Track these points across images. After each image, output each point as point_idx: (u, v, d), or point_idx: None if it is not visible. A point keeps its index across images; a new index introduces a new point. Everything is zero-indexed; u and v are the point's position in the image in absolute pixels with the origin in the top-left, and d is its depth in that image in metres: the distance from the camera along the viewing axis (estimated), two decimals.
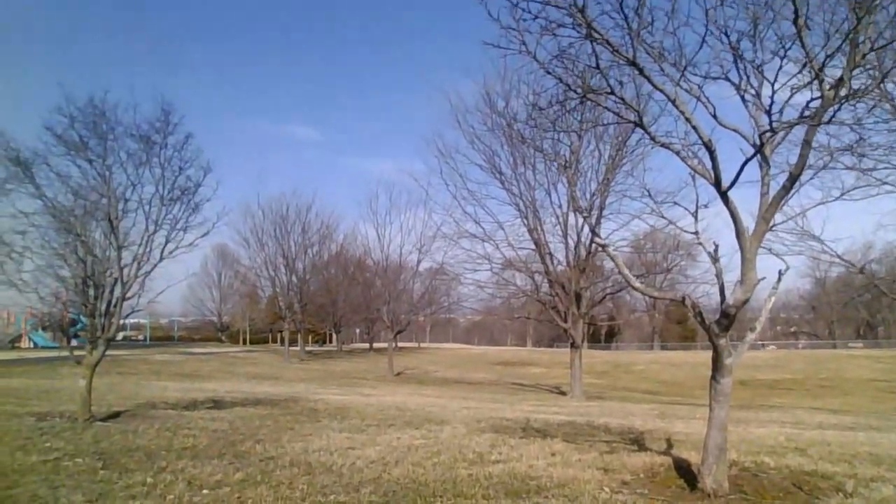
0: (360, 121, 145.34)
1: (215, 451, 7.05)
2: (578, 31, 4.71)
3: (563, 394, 27.54)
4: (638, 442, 8.24)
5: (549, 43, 5.02)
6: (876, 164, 20.26)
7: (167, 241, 9.33)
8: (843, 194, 6.49)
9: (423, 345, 78.92)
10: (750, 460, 6.81)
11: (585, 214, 17.04)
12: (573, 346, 26.97)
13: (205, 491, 5.21)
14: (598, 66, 4.90)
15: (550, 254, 27.49)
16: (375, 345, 63.10)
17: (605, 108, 5.37)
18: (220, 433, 8.37)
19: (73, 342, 12.59)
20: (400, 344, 59.48)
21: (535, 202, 27.44)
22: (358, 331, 76.43)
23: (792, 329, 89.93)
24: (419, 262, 40.95)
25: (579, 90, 5.18)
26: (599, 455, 7.03)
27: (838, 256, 21.29)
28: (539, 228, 27.30)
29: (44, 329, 40.30)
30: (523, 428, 9.76)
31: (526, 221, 27.62)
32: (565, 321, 26.93)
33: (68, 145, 8.90)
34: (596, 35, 4.54)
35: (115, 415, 9.97)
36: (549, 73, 5.11)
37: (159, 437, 7.84)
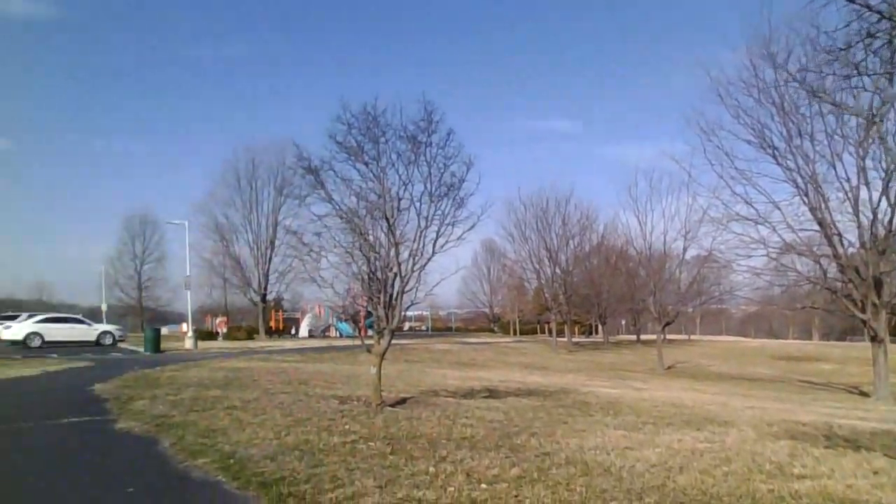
0: (616, 109, 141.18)
1: (492, 442, 6.99)
2: None
3: (865, 395, 23.51)
4: None
5: None
6: None
7: (438, 236, 9.61)
8: None
9: (693, 337, 73.98)
10: None
11: None
12: (875, 339, 22.87)
13: (483, 486, 5.07)
14: None
15: (839, 234, 23.57)
16: (642, 336, 60.67)
17: None
18: (496, 424, 8.37)
19: (368, 332, 13.80)
20: (669, 336, 56.52)
21: (815, 177, 23.72)
22: (623, 322, 74.23)
23: None
24: (685, 249, 38.18)
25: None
26: None
27: None
28: (823, 206, 23.57)
29: (345, 320, 45.58)
30: (826, 435, 8.29)
31: (806, 199, 24.01)
32: (863, 311, 22.95)
33: (348, 151, 9.59)
34: None
35: (402, 401, 10.60)
36: (851, 0, 4.05)
37: (440, 425, 8.05)
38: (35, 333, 30.17)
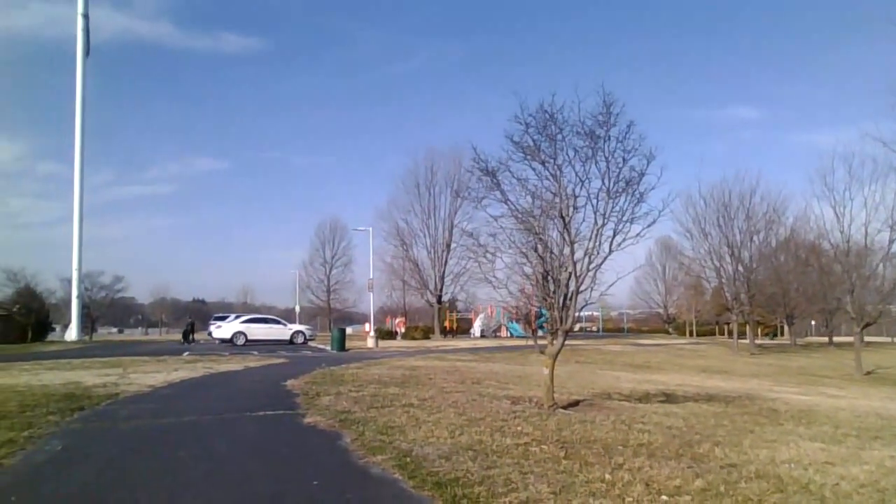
0: (804, 91, 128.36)
1: (672, 450, 6.60)
2: None
3: None
4: None
5: None
6: None
7: (615, 234, 9.26)
8: None
9: None
10: None
11: None
12: None
13: (664, 497, 4.78)
14: None
15: None
16: (835, 339, 54.52)
17: None
18: (675, 430, 7.90)
19: (539, 333, 13.71)
20: (867, 338, 50.32)
21: None
22: (813, 323, 67.29)
23: None
24: (892, 241, 33.74)
25: None
26: None
27: None
28: None
29: (516, 320, 45.80)
30: None
31: None
32: None
33: (524, 150, 9.52)
34: None
35: (575, 403, 10.38)
36: None
37: (615, 430, 7.74)
38: (240, 332, 33.60)
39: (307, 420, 8.33)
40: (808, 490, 5.13)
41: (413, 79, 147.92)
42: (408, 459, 5.87)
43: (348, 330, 39.13)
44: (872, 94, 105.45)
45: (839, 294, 37.05)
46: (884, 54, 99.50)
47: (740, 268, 45.44)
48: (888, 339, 63.72)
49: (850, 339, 38.95)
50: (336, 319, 65.64)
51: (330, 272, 68.31)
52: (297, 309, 60.55)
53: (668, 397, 12.39)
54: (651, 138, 10.93)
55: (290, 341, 34.46)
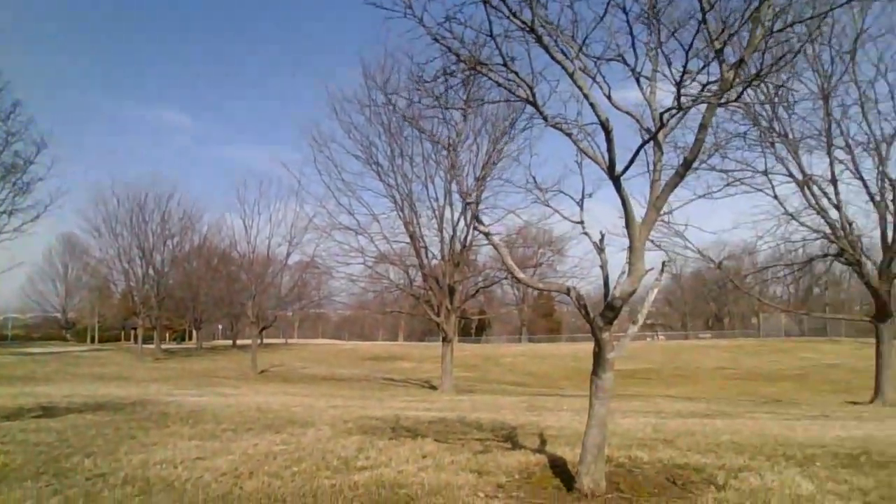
0: (234, 108, 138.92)
1: (32, 470, 6.02)
2: None
3: (434, 388, 27.48)
4: (511, 439, 8.02)
5: (436, 8, 4.57)
6: (736, 165, 21.64)
7: None
8: (722, 188, 6.50)
9: (290, 341, 76.61)
10: (624, 455, 6.74)
11: (469, 200, 16.84)
12: (445, 339, 26.98)
13: None
14: (491, 34, 4.51)
15: (425, 247, 27.40)
16: (239, 341, 60.38)
17: (496, 82, 4.97)
18: (43, 447, 7.26)
19: None
20: (266, 340, 57.41)
21: (411, 195, 27.24)
22: (220, 327, 72.89)
23: (650, 321, 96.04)
24: (289, 254, 39.57)
25: (468, 61, 4.76)
26: (473, 455, 6.70)
27: (700, 253, 22.76)
28: (415, 221, 27.12)
29: None
30: (393, 428, 9.30)
31: (402, 214, 27.35)
32: (438, 315, 26.90)
33: None
34: None
35: None
36: (436, 40, 4.66)
37: None
38: None
39: None
40: (172, 487, 5.40)
41: None
42: None
43: None
44: (284, 124, 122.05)
45: (243, 299, 41.13)
46: (296, 94, 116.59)
47: (151, 271, 45.82)
48: (283, 341, 73.92)
49: (250, 341, 43.59)
50: None
51: None
52: None
53: (48, 411, 11.36)
54: (62, 129, 9.92)
55: None
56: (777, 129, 20.87)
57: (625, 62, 4.43)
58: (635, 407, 16.42)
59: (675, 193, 4.69)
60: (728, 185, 19.21)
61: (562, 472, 5.82)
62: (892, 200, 20.52)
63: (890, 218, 20.66)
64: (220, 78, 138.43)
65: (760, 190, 21.70)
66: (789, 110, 21.02)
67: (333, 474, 5.91)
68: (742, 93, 4.18)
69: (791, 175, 21.31)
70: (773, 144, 21.04)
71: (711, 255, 24.58)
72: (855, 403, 20.93)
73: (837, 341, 56.38)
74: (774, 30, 3.77)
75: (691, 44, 3.85)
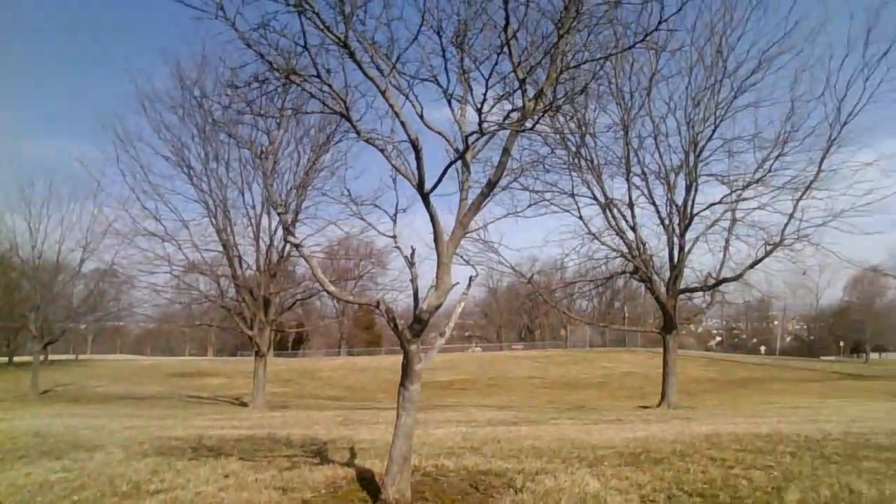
0: (23, 96, 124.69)
1: None
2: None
3: (245, 405, 26.44)
4: (321, 454, 8.01)
5: (251, 12, 4.51)
6: (547, 186, 23.26)
7: None
8: (529, 206, 6.99)
9: (82, 357, 69.92)
10: (431, 464, 6.99)
11: (281, 211, 16.43)
12: (258, 354, 26.07)
13: None
14: (305, 45, 4.52)
15: (240, 257, 26.29)
16: (18, 358, 53.86)
17: (310, 94, 4.99)
18: None
19: None
20: (52, 357, 52.00)
21: (226, 201, 26.01)
22: None
23: (467, 334, 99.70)
24: (83, 261, 35.97)
25: (282, 69, 4.74)
26: (279, 472, 6.60)
27: (512, 268, 24.13)
28: (229, 229, 25.94)
29: None
30: (194, 448, 8.88)
31: (214, 221, 25.99)
32: (251, 328, 25.94)
33: None
34: (306, 6, 4.16)
35: None
36: (248, 45, 4.59)
37: None
38: None
39: None
40: None
41: None
42: None
43: None
44: (82, 117, 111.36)
45: (25, 311, 36.68)
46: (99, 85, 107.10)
47: None
48: (73, 356, 67.30)
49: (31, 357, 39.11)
50: None
51: None
52: None
53: None
54: None
55: None
56: (584, 154, 22.80)
57: (437, 83, 4.66)
58: (449, 417, 16.99)
59: (489, 210, 5.01)
60: (531, 204, 20.47)
61: (369, 485, 5.91)
62: (678, 224, 23.20)
63: (676, 240, 23.34)
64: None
65: (567, 210, 23.55)
66: (595, 138, 23.04)
67: (121, 500, 5.55)
68: (537, 121, 4.56)
69: (595, 198, 23.35)
70: (580, 169, 22.94)
71: (524, 270, 26.21)
72: (645, 407, 23.21)
73: (634, 351, 62.33)
74: (570, 66, 4.18)
75: (490, 73, 4.15)
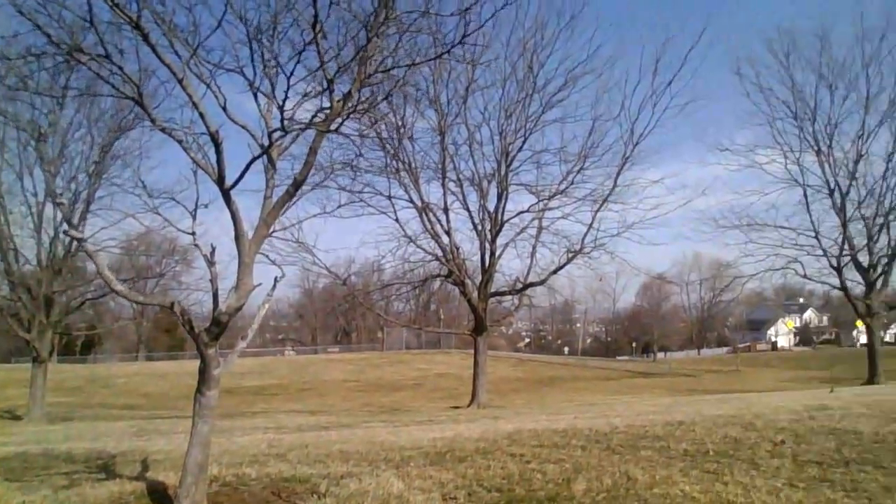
0: None
1: None
2: None
3: (19, 418, 23.68)
4: (108, 468, 7.42)
5: None
6: (363, 187, 23.37)
7: None
8: (339, 207, 7.00)
9: None
10: (232, 473, 6.75)
11: (60, 201, 14.95)
12: (37, 360, 23.44)
13: None
14: (91, 22, 4.16)
15: (15, 250, 23.47)
16: None
17: (98, 75, 4.59)
18: None
19: None
20: None
21: (0, 186, 23.16)
22: None
23: (280, 336, 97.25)
24: None
25: (64, 45, 4.32)
26: (53, 492, 6.00)
27: (326, 268, 23.92)
28: (3, 218, 23.10)
29: None
30: None
31: None
32: (28, 331, 23.26)
33: None
34: None
35: None
36: (21, 13, 4.14)
37: None
38: None
39: None
40: None
41: None
42: None
43: None
44: None
45: None
46: None
47: None
48: None
49: None
50: None
51: None
52: None
53: None
54: None
55: None
56: (401, 158, 23.23)
57: (243, 75, 4.51)
58: (257, 424, 16.49)
59: (302, 209, 4.93)
60: (342, 205, 20.24)
61: (161, 498, 5.60)
62: (490, 230, 24.38)
63: (487, 245, 24.51)
64: None
65: (384, 213, 23.85)
66: (413, 142, 23.58)
67: None
68: (342, 123, 4.59)
69: (412, 201, 23.86)
70: (397, 172, 23.33)
71: (341, 272, 26.12)
72: (457, 408, 24.07)
73: (449, 353, 64.36)
74: (379, 70, 4.25)
75: (293, 70, 4.12)
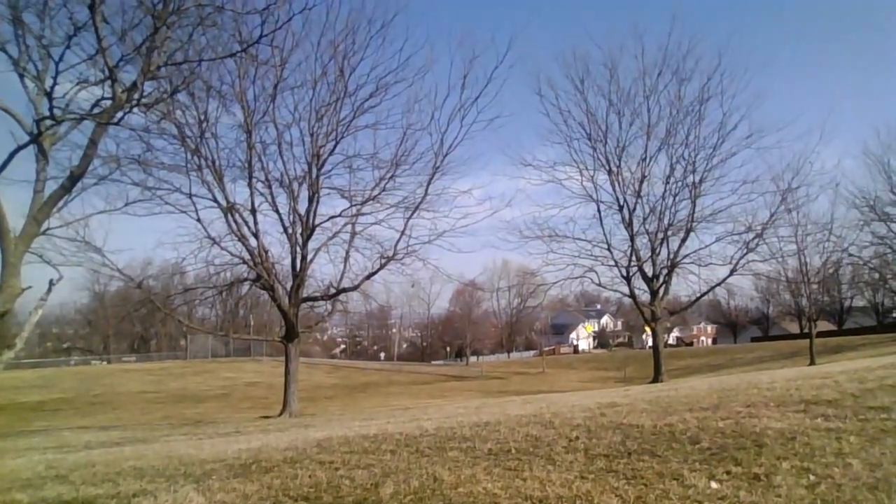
0: None
1: None
2: None
3: None
4: None
5: None
6: (160, 182, 21.92)
7: None
8: (126, 205, 6.51)
9: None
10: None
11: None
12: None
13: None
14: None
15: None
16: None
17: None
18: None
19: None
20: None
21: None
22: None
23: (65, 345, 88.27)
24: None
25: None
26: None
27: (118, 270, 22.09)
28: None
29: None
30: None
31: None
32: None
33: None
34: None
35: None
36: None
37: None
38: None
39: None
40: None
41: None
42: None
43: None
44: None
45: None
46: None
47: None
48: None
49: None
50: None
51: None
52: None
53: None
54: None
55: None
56: (203, 154, 22.04)
57: (6, 52, 4.05)
58: (34, 443, 14.84)
59: (92, 206, 4.51)
60: (132, 202, 18.96)
61: None
62: (301, 234, 23.93)
63: (299, 249, 24.03)
64: None
65: (185, 212, 22.47)
66: (217, 139, 22.51)
67: None
68: (125, 115, 4.30)
69: (216, 201, 22.71)
70: (199, 168, 22.09)
71: (136, 274, 24.25)
72: (267, 417, 23.31)
73: (259, 360, 62.18)
74: (169, 63, 4.03)
75: (62, 56, 3.79)
